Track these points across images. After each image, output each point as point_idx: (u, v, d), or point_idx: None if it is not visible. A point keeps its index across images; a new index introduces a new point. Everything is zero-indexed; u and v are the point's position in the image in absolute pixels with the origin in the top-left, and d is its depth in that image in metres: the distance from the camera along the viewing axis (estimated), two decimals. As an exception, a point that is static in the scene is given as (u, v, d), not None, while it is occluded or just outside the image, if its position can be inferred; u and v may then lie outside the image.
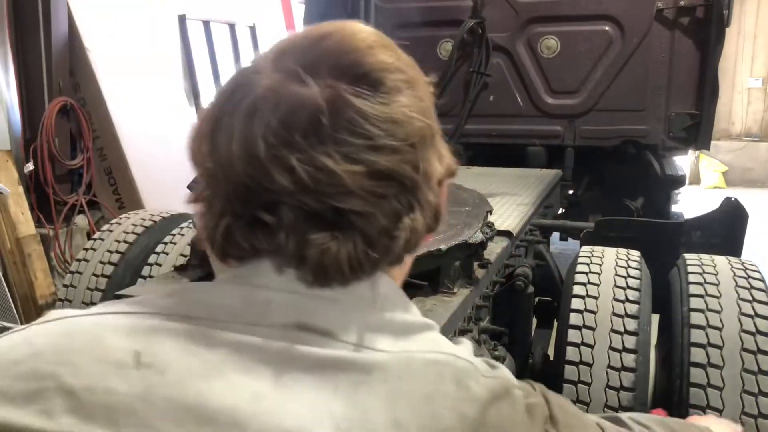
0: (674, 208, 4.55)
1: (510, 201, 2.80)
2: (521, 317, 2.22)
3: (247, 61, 0.61)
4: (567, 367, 1.88)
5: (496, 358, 1.89)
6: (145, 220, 2.61)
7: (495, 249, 2.01)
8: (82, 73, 4.87)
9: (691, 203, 5.67)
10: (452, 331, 1.57)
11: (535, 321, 2.76)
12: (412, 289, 1.63)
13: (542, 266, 2.71)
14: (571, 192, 4.26)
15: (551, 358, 2.27)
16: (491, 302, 2.00)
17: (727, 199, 2.92)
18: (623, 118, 3.92)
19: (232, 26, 7.71)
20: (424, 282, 1.66)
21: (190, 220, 2.38)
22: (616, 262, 2.08)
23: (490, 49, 4.02)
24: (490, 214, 1.83)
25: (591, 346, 1.87)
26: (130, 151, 4.91)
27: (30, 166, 4.61)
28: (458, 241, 1.61)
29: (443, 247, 1.57)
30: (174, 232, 2.49)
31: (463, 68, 4.09)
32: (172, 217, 2.67)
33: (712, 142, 4.08)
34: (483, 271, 1.81)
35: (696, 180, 10.45)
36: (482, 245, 1.71)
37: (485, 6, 3.94)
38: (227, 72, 7.44)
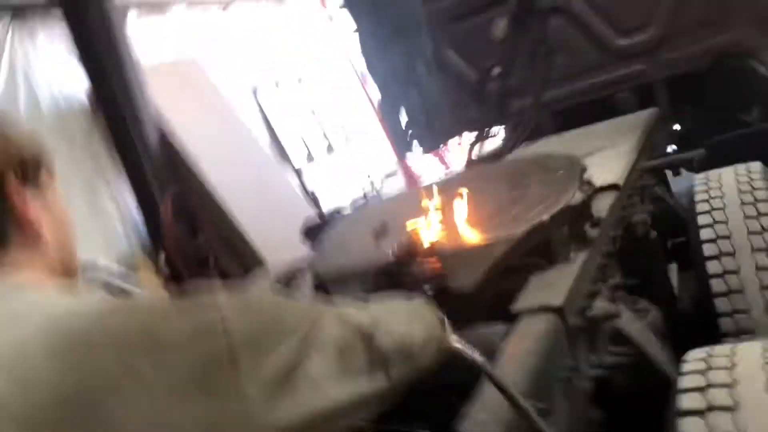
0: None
1: (610, 153, 2.69)
2: (653, 265, 2.12)
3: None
4: (717, 300, 1.78)
5: (638, 311, 1.82)
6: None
7: (603, 205, 1.95)
8: (179, 164, 5.30)
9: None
10: (581, 295, 1.54)
11: (675, 266, 2.62)
12: (528, 268, 1.62)
13: (664, 208, 2.58)
14: (677, 126, 4.00)
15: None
16: (617, 258, 1.94)
17: None
18: (708, 33, 3.64)
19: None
20: (540, 258, 1.64)
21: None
22: (737, 180, 1.95)
23: (545, 13, 3.91)
24: (585, 171, 1.78)
25: (736, 272, 1.76)
26: (241, 219, 5.26)
27: (165, 269, 5.01)
28: (559, 207, 1.59)
29: (545, 216, 1.56)
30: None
31: (523, 41, 4.00)
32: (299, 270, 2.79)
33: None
34: (596, 230, 1.76)
35: (819, 70, 9.44)
36: (585, 204, 1.68)
37: (527, -27, 3.84)
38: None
